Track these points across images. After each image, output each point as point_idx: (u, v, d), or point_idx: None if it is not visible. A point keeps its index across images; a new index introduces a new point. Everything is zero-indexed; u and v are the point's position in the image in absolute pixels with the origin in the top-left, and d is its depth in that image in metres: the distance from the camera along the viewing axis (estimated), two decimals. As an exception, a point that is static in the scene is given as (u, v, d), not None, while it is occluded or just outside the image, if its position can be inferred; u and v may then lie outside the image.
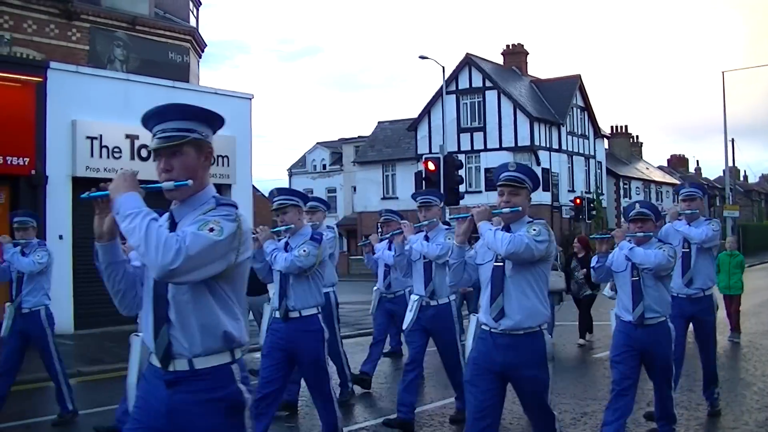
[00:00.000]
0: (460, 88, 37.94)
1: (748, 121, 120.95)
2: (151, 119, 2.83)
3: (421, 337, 6.42)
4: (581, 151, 40.37)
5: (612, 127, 51.92)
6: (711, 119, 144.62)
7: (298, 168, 53.50)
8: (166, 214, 2.86)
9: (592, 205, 30.35)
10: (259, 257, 5.60)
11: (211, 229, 2.59)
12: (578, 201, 30.07)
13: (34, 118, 13.02)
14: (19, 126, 12.84)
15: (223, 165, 15.34)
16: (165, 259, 2.46)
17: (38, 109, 13.08)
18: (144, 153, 13.80)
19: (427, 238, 6.42)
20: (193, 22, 23.50)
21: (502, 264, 4.22)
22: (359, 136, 48.96)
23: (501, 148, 35.89)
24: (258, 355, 6.70)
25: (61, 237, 12.87)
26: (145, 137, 13.88)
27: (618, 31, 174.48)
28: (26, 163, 12.90)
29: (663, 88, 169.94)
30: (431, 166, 18.32)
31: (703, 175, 67.48)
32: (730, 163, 40.63)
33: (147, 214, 2.53)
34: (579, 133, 40.33)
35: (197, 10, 24.33)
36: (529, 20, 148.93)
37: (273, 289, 5.64)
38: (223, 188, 15.18)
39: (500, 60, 42.11)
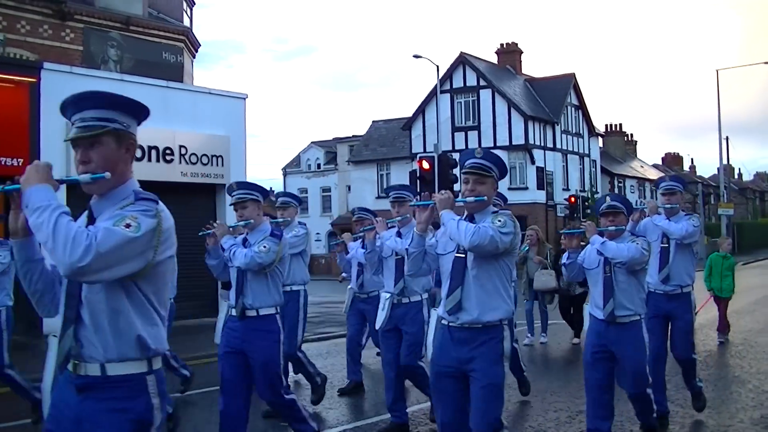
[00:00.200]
0: (454, 87, 37.97)
1: (743, 119, 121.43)
2: (69, 107, 2.66)
3: (396, 337, 6.25)
4: (576, 150, 40.44)
5: (606, 125, 51.99)
6: (705, 117, 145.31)
7: (292, 167, 53.50)
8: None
9: (586, 203, 30.32)
10: (214, 254, 5.41)
11: (128, 225, 2.44)
12: (573, 200, 30.07)
13: (28, 118, 12.97)
14: (13, 127, 12.79)
15: (217, 165, 15.31)
16: (73, 256, 2.29)
17: (32, 109, 13.03)
18: (139, 153, 13.77)
19: (399, 235, 6.21)
20: (186, 22, 23.47)
21: (463, 255, 3.97)
22: (354, 136, 49.01)
23: (495, 147, 35.85)
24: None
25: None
26: (140, 137, 13.73)
27: (612, 30, 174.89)
28: (20, 164, 12.84)
29: (657, 86, 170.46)
30: (426, 165, 18.31)
31: (698, 173, 67.65)
32: (725, 161, 40.81)
33: (56, 208, 2.35)
34: (573, 131, 40.40)
35: (191, 10, 24.30)
36: (524, 19, 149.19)
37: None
38: (217, 188, 15.17)
39: (494, 59, 42.17)
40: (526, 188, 36.20)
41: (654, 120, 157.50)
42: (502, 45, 43.07)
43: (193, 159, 14.62)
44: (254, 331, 5.15)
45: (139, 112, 2.76)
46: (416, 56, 28.26)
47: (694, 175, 64.17)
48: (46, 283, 2.67)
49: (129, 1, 20.20)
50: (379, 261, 6.54)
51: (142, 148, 13.58)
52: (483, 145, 35.89)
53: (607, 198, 5.40)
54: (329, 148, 51.34)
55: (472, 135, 37.13)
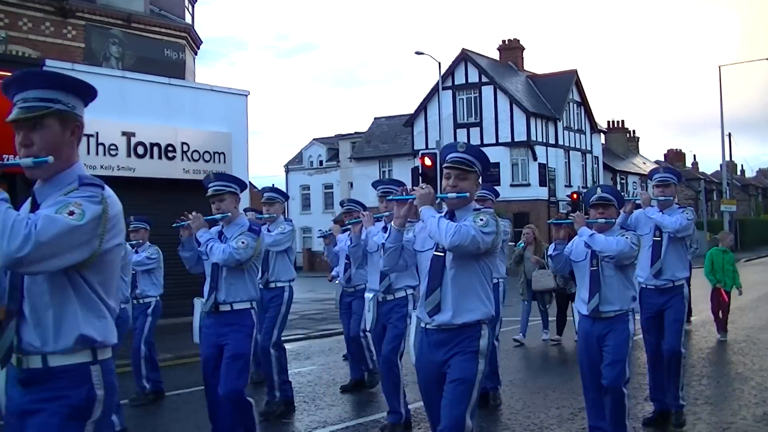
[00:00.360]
0: (456, 83, 37.95)
1: (745, 115, 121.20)
2: (11, 87, 2.51)
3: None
4: (578, 146, 40.41)
5: (609, 122, 52.05)
6: (708, 114, 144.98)
7: (294, 164, 53.47)
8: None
9: (589, 200, 30.32)
10: (188, 246, 5.30)
11: (71, 213, 2.31)
12: (575, 196, 29.96)
13: (30, 116, 13.00)
14: (15, 124, 12.82)
15: (219, 162, 15.31)
16: (11, 246, 2.16)
17: (34, 107, 13.06)
18: (141, 150, 13.79)
19: (386, 229, 5.98)
20: (188, 19, 23.44)
21: (442, 254, 3.77)
22: (356, 132, 49.01)
23: (497, 144, 35.90)
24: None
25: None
26: (142, 134, 13.85)
27: (614, 26, 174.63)
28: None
29: (660, 83, 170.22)
30: (428, 161, 18.35)
31: (701, 170, 67.58)
32: (727, 158, 40.78)
33: None
34: (575, 128, 40.37)
35: (192, 7, 24.27)
36: (525, 15, 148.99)
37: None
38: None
39: (496, 55, 42.17)
40: (529, 185, 36.19)
41: (656, 116, 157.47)
42: (503, 41, 43.08)
43: (195, 156, 14.62)
44: (228, 325, 5.16)
45: (85, 92, 2.61)
46: (418, 53, 28.30)
47: (696, 171, 64.11)
48: None
49: (130, -2, 20.18)
50: (363, 256, 6.48)
51: (144, 145, 13.61)
52: (485, 142, 35.94)
53: (598, 189, 5.25)
54: (331, 145, 51.31)
55: (474, 131, 37.11)
